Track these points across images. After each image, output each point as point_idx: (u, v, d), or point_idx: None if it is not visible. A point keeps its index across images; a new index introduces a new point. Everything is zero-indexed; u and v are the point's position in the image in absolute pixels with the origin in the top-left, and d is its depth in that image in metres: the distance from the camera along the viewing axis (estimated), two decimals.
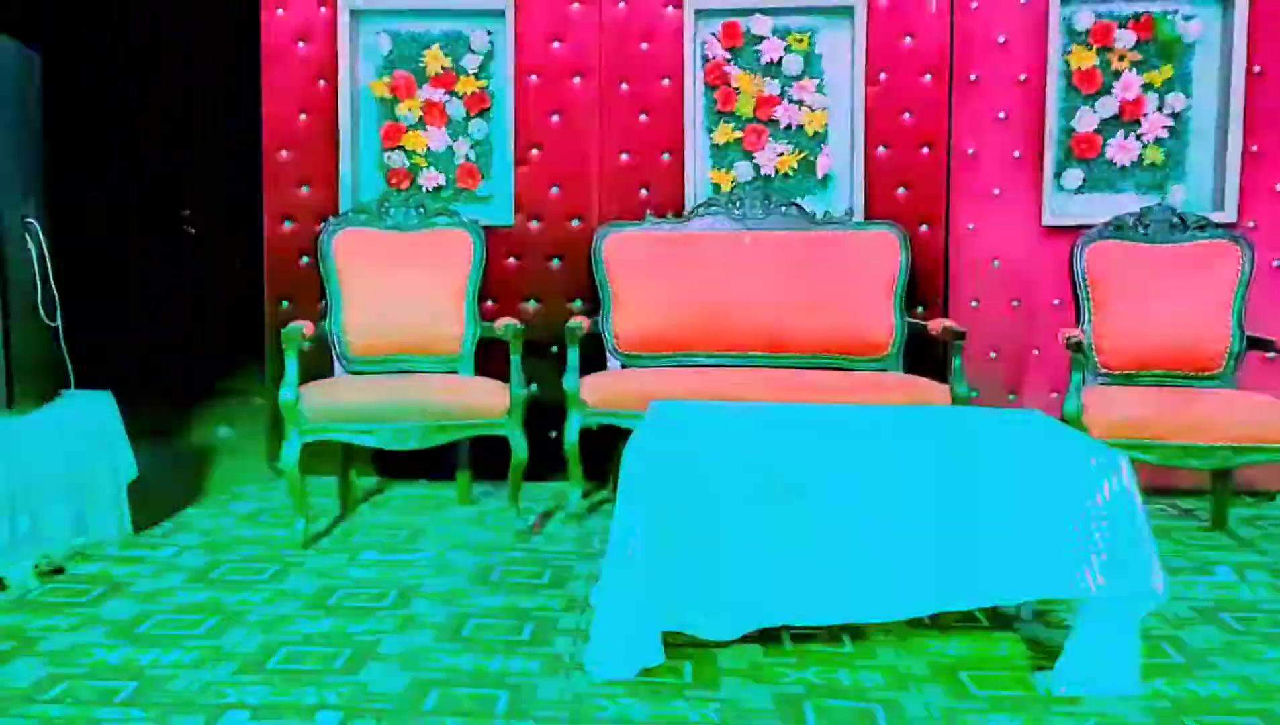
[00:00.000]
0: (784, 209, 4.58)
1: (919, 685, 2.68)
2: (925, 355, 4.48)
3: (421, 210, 4.48)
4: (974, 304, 4.68)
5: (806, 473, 2.66)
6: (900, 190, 4.68)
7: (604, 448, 4.54)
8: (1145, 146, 4.55)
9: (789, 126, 4.70)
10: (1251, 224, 4.45)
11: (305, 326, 3.94)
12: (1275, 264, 4.45)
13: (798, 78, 4.68)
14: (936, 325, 4.20)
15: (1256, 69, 4.46)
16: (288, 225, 4.85)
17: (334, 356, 4.37)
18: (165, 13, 4.69)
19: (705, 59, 4.74)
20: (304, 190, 4.84)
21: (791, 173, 4.71)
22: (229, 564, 3.62)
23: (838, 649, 2.88)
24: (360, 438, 3.83)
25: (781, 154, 4.70)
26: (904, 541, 2.64)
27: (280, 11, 4.80)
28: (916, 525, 2.64)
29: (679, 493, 2.70)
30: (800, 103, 4.69)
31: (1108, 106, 4.55)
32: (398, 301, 4.34)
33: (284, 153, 4.84)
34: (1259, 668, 2.81)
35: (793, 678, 2.72)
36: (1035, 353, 4.64)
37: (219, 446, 5.47)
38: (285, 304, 4.82)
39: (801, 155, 4.71)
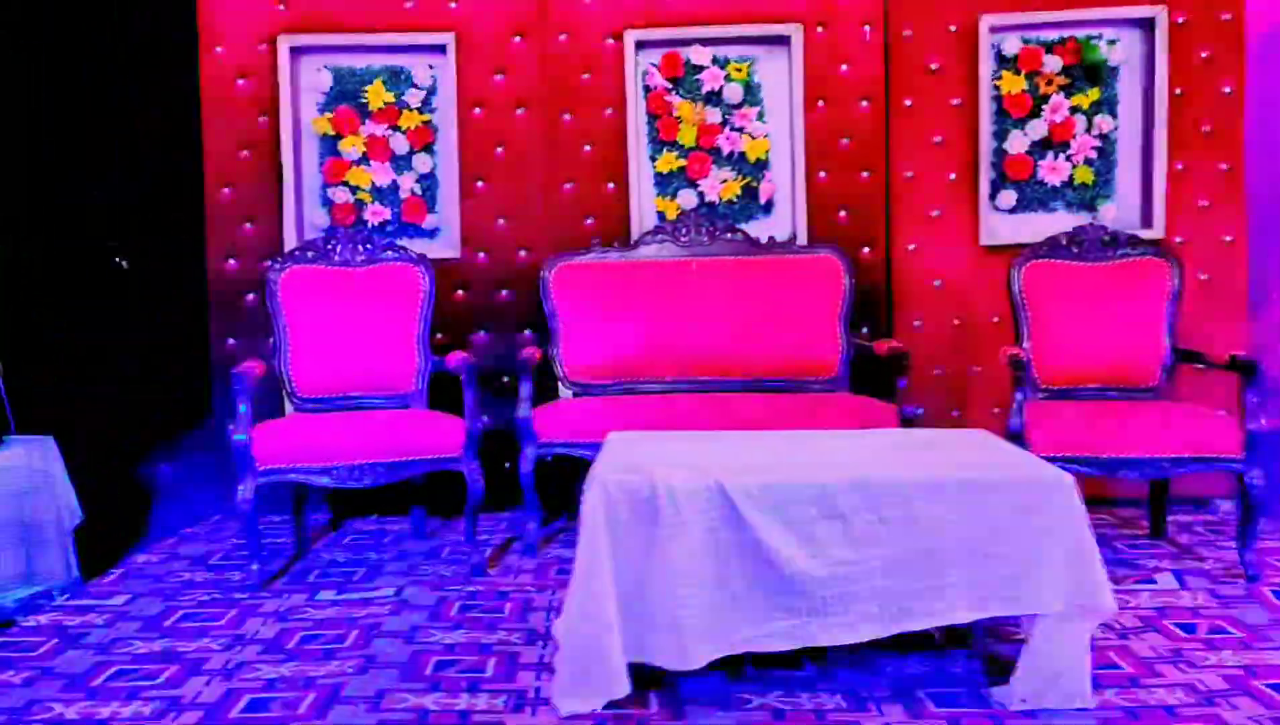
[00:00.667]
0: (729, 235, 4.65)
1: (879, 704, 2.74)
2: (871, 375, 4.56)
3: (368, 246, 4.47)
4: (916, 323, 4.79)
5: (762, 504, 2.71)
6: (841, 214, 4.78)
7: (559, 476, 4.57)
8: (1075, 167, 4.70)
9: (731, 154, 4.78)
10: (1179, 240, 4.61)
11: (255, 367, 3.91)
12: (1202, 278, 4.61)
13: (738, 106, 4.77)
14: (882, 346, 4.29)
15: (1178, 90, 4.64)
16: (232, 263, 4.81)
17: (284, 395, 4.34)
18: (102, 50, 4.64)
19: (647, 89, 4.81)
20: (247, 227, 4.81)
21: (735, 199, 4.79)
22: (184, 610, 3.58)
23: (798, 672, 2.93)
24: (315, 478, 3.81)
25: (725, 181, 4.78)
26: (861, 566, 2.70)
27: (219, 49, 4.78)
28: (872, 550, 2.70)
29: (638, 525, 2.73)
30: (741, 130, 4.77)
31: (1038, 129, 4.69)
32: (347, 338, 4.32)
33: (226, 190, 4.81)
34: (1204, 674, 2.91)
35: (756, 703, 2.77)
36: (977, 370, 4.76)
37: (166, 487, 5.38)
38: (231, 341, 4.78)
39: (744, 182, 4.79)
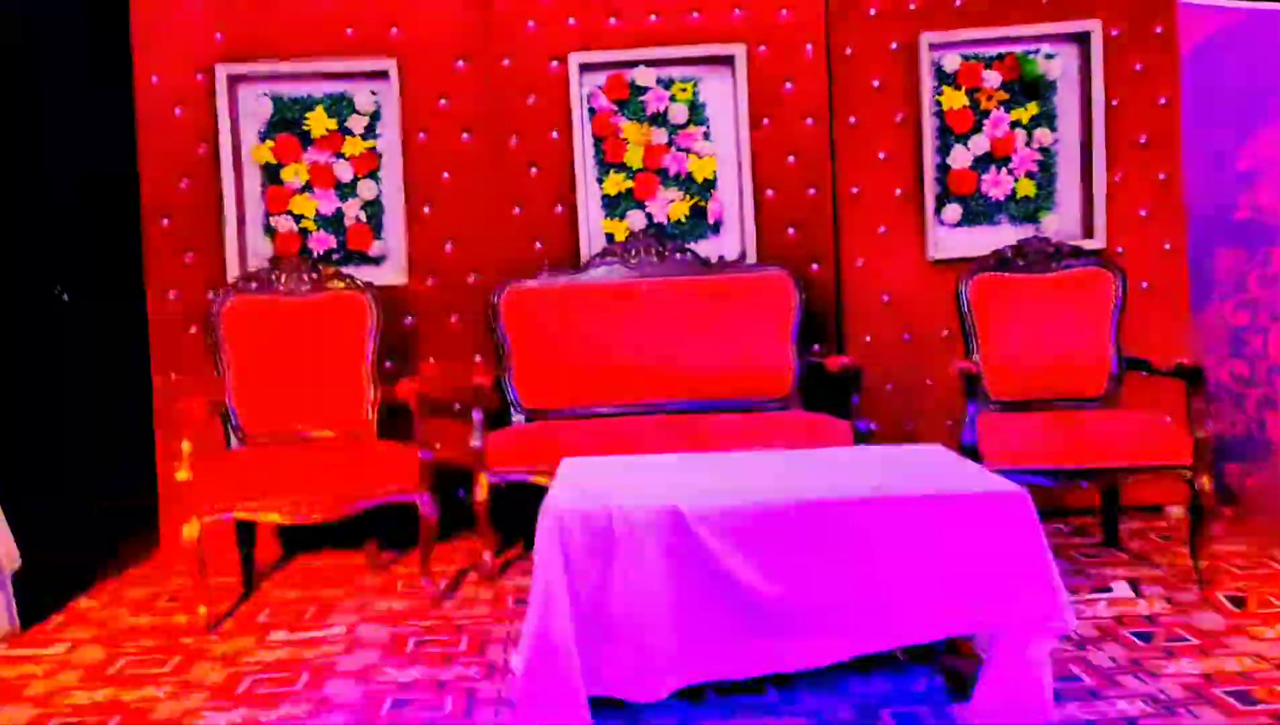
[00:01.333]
0: (678, 256, 4.64)
1: None
2: (825, 391, 4.57)
3: (314, 276, 4.39)
4: (867, 339, 4.80)
5: (719, 529, 2.68)
6: (790, 231, 4.79)
7: (515, 501, 4.51)
8: (1017, 180, 4.75)
9: (678, 174, 4.77)
10: (1120, 250, 4.68)
11: (198, 404, 3.82)
12: (1144, 286, 4.67)
13: (684, 126, 4.76)
14: (834, 363, 4.30)
15: (1114, 102, 4.71)
16: (173, 295, 4.70)
17: (229, 429, 4.23)
18: (36, 78, 4.53)
19: (592, 111, 4.79)
20: (188, 257, 4.71)
21: (684, 219, 4.78)
22: (128, 657, 3.46)
23: (761, 697, 2.90)
24: (262, 517, 3.71)
25: (673, 201, 4.77)
26: (820, 589, 2.68)
27: (155, 78, 4.68)
28: (831, 572, 2.69)
29: (594, 554, 2.69)
30: (688, 150, 4.77)
31: (980, 144, 4.74)
32: (294, 370, 4.24)
33: (165, 221, 4.71)
34: (1162, 683, 2.92)
35: None
36: (928, 383, 4.78)
37: (111, 527, 5.24)
38: (173, 376, 4.67)
39: (692, 201, 4.78)
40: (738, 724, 2.76)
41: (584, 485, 2.90)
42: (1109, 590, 3.71)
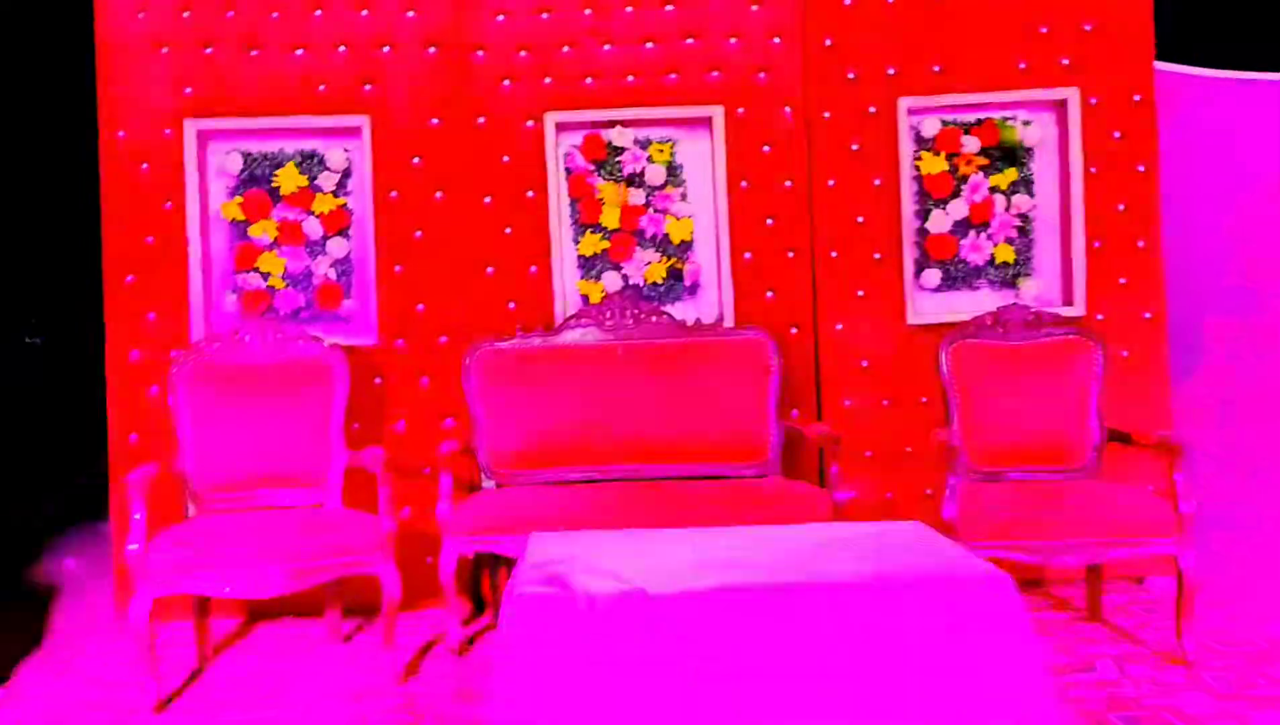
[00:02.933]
0: (654, 318, 4.56)
1: None
2: (803, 458, 4.49)
3: (280, 336, 4.28)
4: (847, 404, 4.72)
5: (690, 612, 2.57)
6: (768, 295, 4.72)
7: (484, 569, 4.39)
8: (996, 246, 4.71)
9: (655, 236, 4.71)
10: (1100, 317, 4.63)
11: (152, 470, 3.69)
12: (1124, 355, 4.62)
13: (661, 187, 4.71)
14: (812, 430, 4.22)
15: (1093, 170, 4.69)
16: (135, 354, 4.57)
17: (186, 494, 4.09)
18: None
19: (568, 171, 4.73)
20: (151, 316, 4.59)
21: (660, 281, 4.71)
22: None
23: None
24: (215, 589, 3.56)
25: (649, 263, 4.70)
26: (792, 679, 2.56)
27: (121, 133, 4.59)
28: (804, 661, 2.57)
29: (560, 641, 2.57)
30: (665, 212, 4.71)
31: (959, 208, 4.70)
32: (255, 435, 4.11)
33: (129, 279, 4.59)
34: None
35: None
36: (908, 450, 4.69)
37: (62, 592, 5.05)
38: (133, 438, 4.53)
39: (669, 263, 4.71)
40: None
41: (550, 567, 2.78)
42: (1093, 669, 3.61)
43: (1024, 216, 4.72)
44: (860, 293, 4.74)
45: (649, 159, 4.71)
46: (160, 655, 3.63)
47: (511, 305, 4.69)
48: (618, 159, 4.71)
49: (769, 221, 4.73)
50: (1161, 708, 3.26)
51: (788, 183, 4.74)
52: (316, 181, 4.65)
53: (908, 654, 2.57)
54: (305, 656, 4.05)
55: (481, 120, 4.70)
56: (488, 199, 4.70)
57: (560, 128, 4.71)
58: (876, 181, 4.73)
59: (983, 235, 4.71)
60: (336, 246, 4.66)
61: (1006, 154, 4.72)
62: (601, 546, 3.06)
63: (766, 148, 4.73)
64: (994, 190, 4.71)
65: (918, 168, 4.73)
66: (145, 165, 4.61)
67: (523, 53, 4.70)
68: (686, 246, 4.73)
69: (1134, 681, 3.50)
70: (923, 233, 4.74)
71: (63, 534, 5.98)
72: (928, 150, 4.72)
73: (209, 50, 4.62)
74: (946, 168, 4.71)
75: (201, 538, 3.67)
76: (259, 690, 3.68)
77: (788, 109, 4.73)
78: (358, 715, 3.42)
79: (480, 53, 4.70)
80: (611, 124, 4.70)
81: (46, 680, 3.82)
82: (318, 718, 3.41)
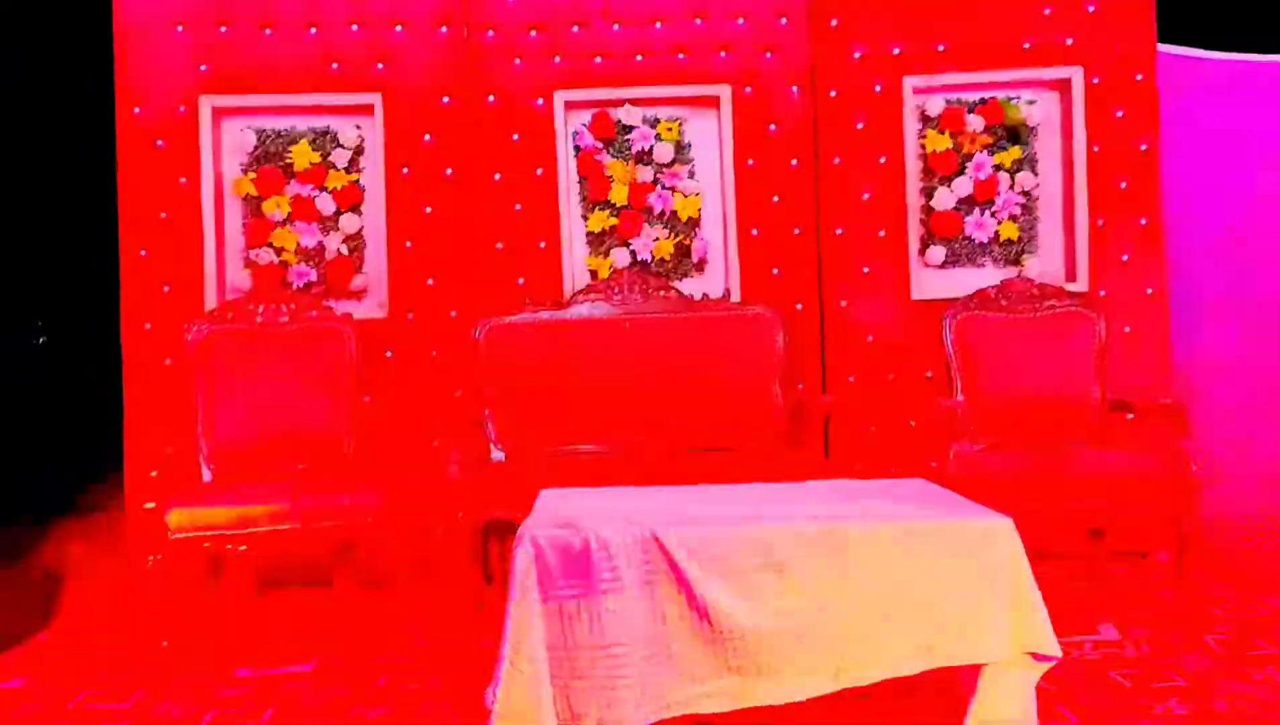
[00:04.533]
0: (662, 293, 4.61)
1: None
2: (808, 432, 4.53)
3: (292, 308, 4.34)
4: (851, 379, 4.77)
5: (696, 555, 2.62)
6: (774, 271, 4.77)
7: (491, 545, 4.43)
8: (1000, 223, 4.77)
9: (663, 212, 4.76)
10: (1102, 293, 4.67)
11: (169, 433, 3.74)
12: (1126, 331, 4.66)
13: (669, 165, 4.77)
14: (817, 403, 4.26)
15: (1095, 148, 4.74)
16: (149, 326, 4.64)
17: (201, 462, 4.15)
18: (14, 108, 4.51)
19: (577, 149, 4.79)
20: (165, 290, 4.65)
21: (668, 258, 4.76)
22: (88, 692, 3.35)
23: None
24: (230, 546, 3.61)
25: (657, 240, 4.76)
26: (801, 618, 2.61)
27: (137, 110, 4.66)
28: (813, 601, 2.62)
29: (570, 581, 2.62)
30: (673, 189, 4.77)
31: (963, 186, 4.76)
32: (269, 402, 4.17)
33: (143, 252, 4.66)
34: (1151, 723, 2.85)
35: None
36: (912, 424, 4.72)
37: (74, 568, 5.11)
38: (148, 408, 4.59)
39: (677, 240, 4.77)
40: None
41: (561, 513, 2.84)
42: (1095, 633, 3.64)
43: (1027, 194, 4.77)
44: (865, 269, 4.79)
45: (657, 137, 4.77)
46: (174, 617, 3.67)
47: (521, 280, 4.75)
48: (626, 137, 4.77)
49: (775, 199, 4.79)
50: (1163, 665, 3.30)
51: (794, 161, 4.80)
52: (329, 158, 4.72)
53: (912, 592, 2.62)
54: (317, 621, 4.09)
55: (492, 98, 4.77)
56: (498, 176, 4.76)
57: (569, 106, 4.77)
58: (882, 159, 4.79)
59: (987, 213, 4.77)
60: (349, 222, 4.73)
61: (1010, 132, 4.77)
62: (610, 497, 3.11)
63: (773, 126, 4.79)
64: (998, 168, 4.76)
65: (923, 146, 4.78)
66: (161, 141, 4.68)
67: (533, 32, 4.77)
68: (694, 223, 4.79)
69: (1135, 643, 3.53)
70: (927, 210, 4.79)
71: (78, 513, 6.05)
72: (933, 129, 4.78)
73: (224, 28, 4.69)
74: (951, 146, 4.76)
75: (218, 498, 3.72)
76: (272, 650, 3.73)
77: (794, 88, 4.79)
78: (368, 669, 3.46)
79: (491, 32, 4.76)
80: (620, 103, 4.77)
81: (58, 644, 3.87)
82: (328, 670, 3.46)
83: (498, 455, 4.43)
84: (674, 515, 2.77)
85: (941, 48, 4.77)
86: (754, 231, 4.77)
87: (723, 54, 4.79)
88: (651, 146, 4.75)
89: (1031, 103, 4.77)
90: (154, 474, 3.58)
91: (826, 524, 2.68)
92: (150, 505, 3.53)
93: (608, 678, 2.59)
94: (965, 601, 2.61)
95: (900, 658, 2.63)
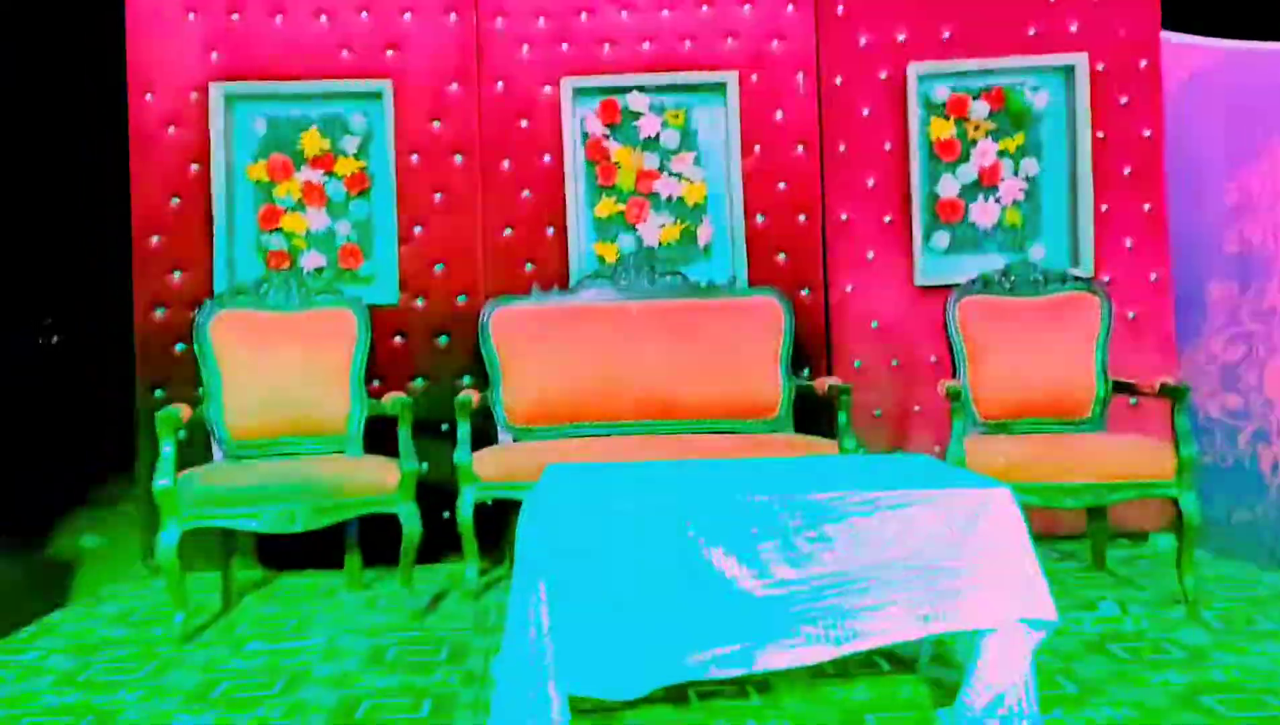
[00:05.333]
0: (668, 279, 4.65)
1: None
2: (813, 416, 4.56)
3: (302, 289, 4.39)
4: (856, 364, 4.81)
5: (704, 522, 2.66)
6: (780, 257, 4.81)
7: (498, 527, 4.47)
8: (1004, 209, 4.80)
9: (669, 199, 4.80)
10: (1107, 279, 4.70)
11: (182, 409, 3.79)
12: (1130, 316, 4.69)
13: (676, 152, 4.81)
14: (822, 383, 4.29)
15: (1100, 134, 4.77)
16: (160, 312, 4.70)
17: (212, 442, 4.20)
18: (28, 95, 4.56)
19: (585, 135, 4.83)
20: (176, 276, 4.71)
21: (674, 243, 4.80)
22: (100, 665, 3.41)
23: (745, 702, 2.86)
24: (243, 522, 3.67)
25: (663, 225, 4.80)
26: (805, 585, 2.65)
27: (149, 96, 4.72)
28: (816, 568, 2.66)
29: (575, 552, 2.66)
30: (679, 176, 4.81)
31: (967, 173, 4.79)
32: (280, 383, 4.21)
33: (155, 238, 4.72)
34: (1149, 692, 2.89)
35: None
36: (916, 409, 4.77)
37: (87, 553, 5.18)
38: (159, 393, 4.64)
39: (683, 226, 4.81)
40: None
41: (565, 486, 2.88)
42: (1095, 609, 3.68)
43: (1032, 180, 4.80)
44: (870, 255, 4.83)
45: (664, 124, 4.81)
46: (186, 593, 3.72)
47: (528, 266, 4.79)
48: (633, 124, 4.81)
49: (781, 185, 4.82)
50: (1161, 640, 3.33)
51: (800, 147, 4.84)
52: (339, 145, 4.77)
53: (914, 560, 2.66)
54: (326, 599, 4.15)
55: (500, 85, 4.81)
56: (506, 162, 4.81)
57: (577, 93, 4.81)
58: (887, 146, 4.83)
59: (991, 199, 4.80)
60: (358, 208, 4.78)
61: (1015, 119, 4.80)
62: (615, 472, 3.15)
63: (779, 113, 4.83)
64: (1002, 154, 4.79)
65: (927, 133, 4.82)
66: (172, 128, 4.74)
67: (541, 20, 4.82)
68: (700, 210, 4.83)
69: (1135, 619, 3.57)
70: (932, 196, 4.82)
71: (92, 498, 6.12)
72: (937, 115, 4.81)
73: (235, 16, 4.74)
74: (955, 132, 4.80)
75: (229, 474, 3.78)
76: (282, 627, 3.79)
77: (800, 75, 4.82)
78: (378, 646, 3.51)
79: (499, 19, 4.81)
80: (628, 90, 4.81)
81: (71, 625, 3.92)
82: (340, 646, 3.51)
83: (505, 437, 4.47)
84: (680, 484, 2.81)
85: (947, 34, 4.80)
86: (760, 218, 4.81)
87: (729, 41, 4.83)
88: (658, 133, 4.79)
89: (1036, 89, 4.80)
90: (166, 452, 3.59)
91: (830, 492, 2.72)
92: (163, 483, 3.57)
93: (613, 644, 2.63)
94: (964, 568, 2.65)
95: (901, 624, 2.67)
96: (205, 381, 4.22)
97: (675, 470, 3.13)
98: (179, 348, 4.63)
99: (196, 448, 4.25)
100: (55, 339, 6.04)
